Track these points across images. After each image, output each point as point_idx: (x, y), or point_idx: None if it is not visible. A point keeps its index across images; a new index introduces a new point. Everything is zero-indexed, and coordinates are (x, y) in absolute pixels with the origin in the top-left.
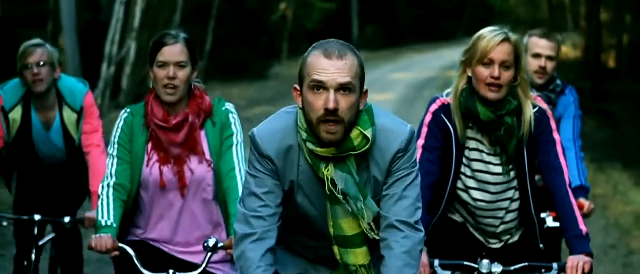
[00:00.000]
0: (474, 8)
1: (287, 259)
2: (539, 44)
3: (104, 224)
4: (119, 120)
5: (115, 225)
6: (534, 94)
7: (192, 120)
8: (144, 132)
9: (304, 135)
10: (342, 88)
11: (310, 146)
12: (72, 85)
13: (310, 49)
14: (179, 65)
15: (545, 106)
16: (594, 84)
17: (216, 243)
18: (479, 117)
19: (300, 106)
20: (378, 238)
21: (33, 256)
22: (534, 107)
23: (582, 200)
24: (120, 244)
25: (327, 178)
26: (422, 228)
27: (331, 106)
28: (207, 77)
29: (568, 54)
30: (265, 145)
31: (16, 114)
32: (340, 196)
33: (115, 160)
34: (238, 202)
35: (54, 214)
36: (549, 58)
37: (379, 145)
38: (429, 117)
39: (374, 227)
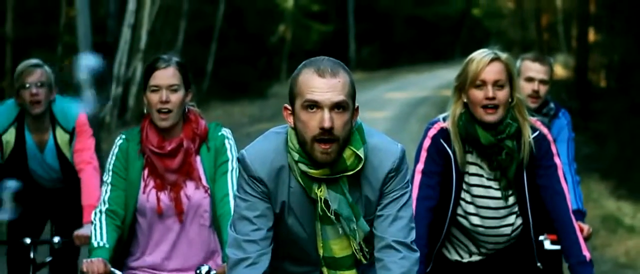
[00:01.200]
0: (470, 29)
1: None
2: (532, 68)
3: (96, 245)
4: (114, 147)
5: (107, 246)
6: (532, 119)
7: (186, 145)
8: (140, 158)
9: (296, 156)
10: (337, 106)
11: (302, 167)
12: (65, 106)
13: (300, 66)
14: (172, 88)
15: (545, 130)
16: (581, 102)
17: (209, 271)
18: (479, 142)
19: (292, 125)
20: (365, 261)
21: None
22: (534, 130)
23: (580, 223)
24: (112, 268)
25: (320, 199)
26: (417, 248)
27: (327, 124)
28: (209, 95)
29: (560, 74)
30: (255, 166)
31: (9, 136)
32: (332, 217)
33: (109, 187)
34: (229, 226)
35: (51, 236)
36: (541, 82)
37: (370, 164)
38: (427, 142)
39: (363, 247)
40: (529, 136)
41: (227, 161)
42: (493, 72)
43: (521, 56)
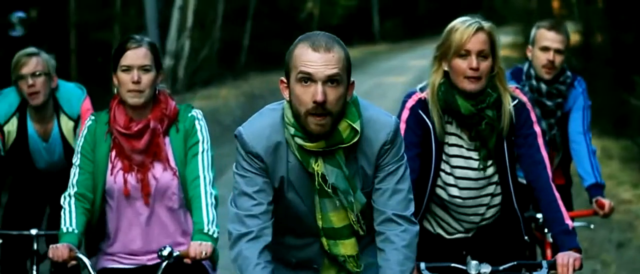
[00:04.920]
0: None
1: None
2: (547, 37)
3: (65, 230)
4: (84, 128)
5: (76, 231)
6: (512, 86)
7: (153, 126)
8: (107, 140)
9: (292, 130)
10: (330, 80)
11: (298, 140)
12: (69, 91)
13: (296, 41)
14: (143, 68)
15: (524, 98)
16: (585, 63)
17: (171, 252)
18: (459, 112)
19: (288, 98)
20: (363, 233)
21: (34, 272)
22: (513, 99)
23: (601, 199)
24: (79, 254)
25: (317, 173)
26: (417, 221)
27: (319, 98)
28: (247, 68)
29: (574, 40)
30: (252, 143)
31: (11, 126)
32: (329, 190)
33: (77, 169)
34: (229, 202)
35: (51, 227)
36: (557, 51)
37: (366, 136)
38: (406, 113)
39: (360, 219)
40: (509, 104)
41: (198, 142)
42: (478, 42)
43: (537, 24)
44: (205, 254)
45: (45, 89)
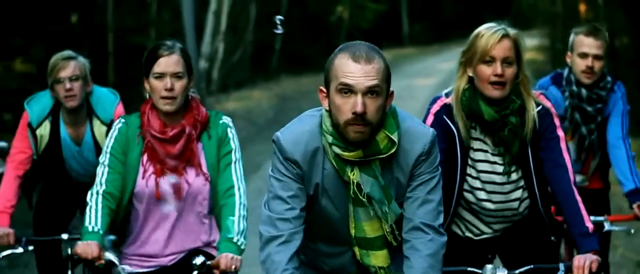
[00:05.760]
0: (517, 3)
1: None
2: (585, 43)
3: (90, 230)
4: (113, 130)
5: (101, 232)
6: (537, 92)
7: (188, 131)
8: (139, 143)
9: (330, 138)
10: (370, 91)
11: (336, 149)
12: (102, 96)
13: (336, 50)
14: (176, 76)
15: (548, 104)
16: (609, 64)
17: (204, 262)
18: (483, 118)
19: (327, 107)
20: (395, 243)
21: None
22: (537, 105)
23: None
24: (107, 253)
25: (353, 182)
26: (444, 232)
27: (359, 109)
28: (279, 70)
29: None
30: (290, 148)
31: (44, 130)
32: (364, 200)
33: (106, 169)
34: (263, 205)
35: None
36: (596, 57)
37: (402, 148)
38: (430, 119)
39: (395, 229)
40: (533, 111)
41: (231, 151)
42: (503, 49)
43: (574, 30)
44: (235, 268)
45: (82, 93)
